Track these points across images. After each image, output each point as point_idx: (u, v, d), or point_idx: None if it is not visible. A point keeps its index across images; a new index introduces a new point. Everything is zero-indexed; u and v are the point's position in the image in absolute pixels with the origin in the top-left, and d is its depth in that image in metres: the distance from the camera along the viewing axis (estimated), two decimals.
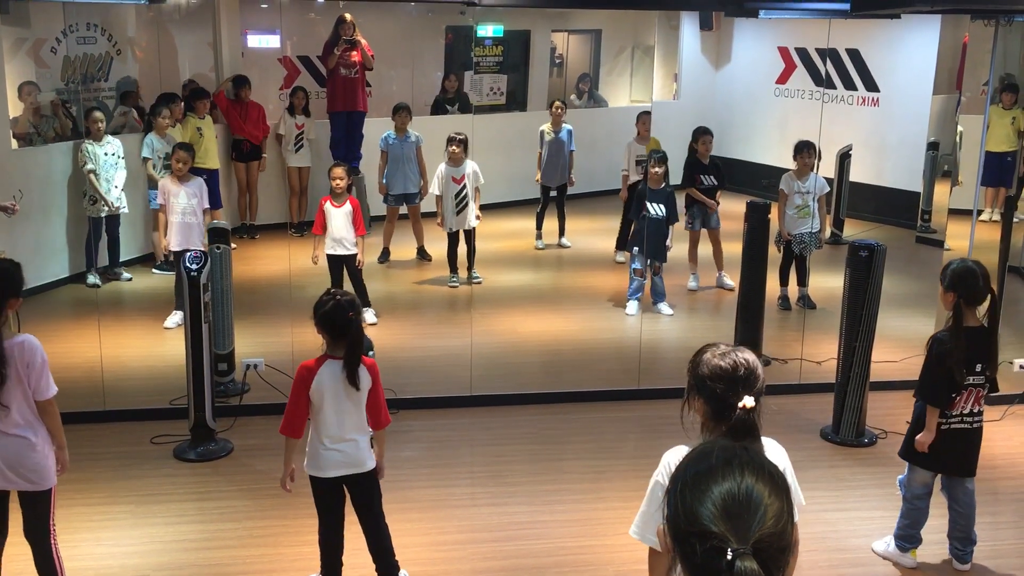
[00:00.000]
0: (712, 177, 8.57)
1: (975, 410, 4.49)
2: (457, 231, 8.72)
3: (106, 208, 8.50)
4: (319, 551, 4.27)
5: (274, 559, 4.65)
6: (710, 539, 1.55)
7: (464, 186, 8.61)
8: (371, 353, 5.86)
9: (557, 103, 9.94)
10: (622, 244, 9.45)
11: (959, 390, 4.44)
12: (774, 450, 2.80)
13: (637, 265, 8.12)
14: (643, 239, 7.99)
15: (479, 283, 8.85)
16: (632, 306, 8.20)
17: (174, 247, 7.37)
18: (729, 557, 1.53)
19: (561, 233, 10.17)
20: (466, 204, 8.66)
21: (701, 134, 8.63)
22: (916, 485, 4.62)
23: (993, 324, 4.44)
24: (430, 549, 4.76)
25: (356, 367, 4.04)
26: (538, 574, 4.58)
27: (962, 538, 4.62)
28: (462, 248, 8.80)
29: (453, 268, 8.82)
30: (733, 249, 8.62)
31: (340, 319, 4.00)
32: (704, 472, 1.62)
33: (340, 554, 4.27)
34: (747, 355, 2.68)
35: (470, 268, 8.87)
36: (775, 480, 1.63)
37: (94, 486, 5.29)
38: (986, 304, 4.43)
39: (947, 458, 4.54)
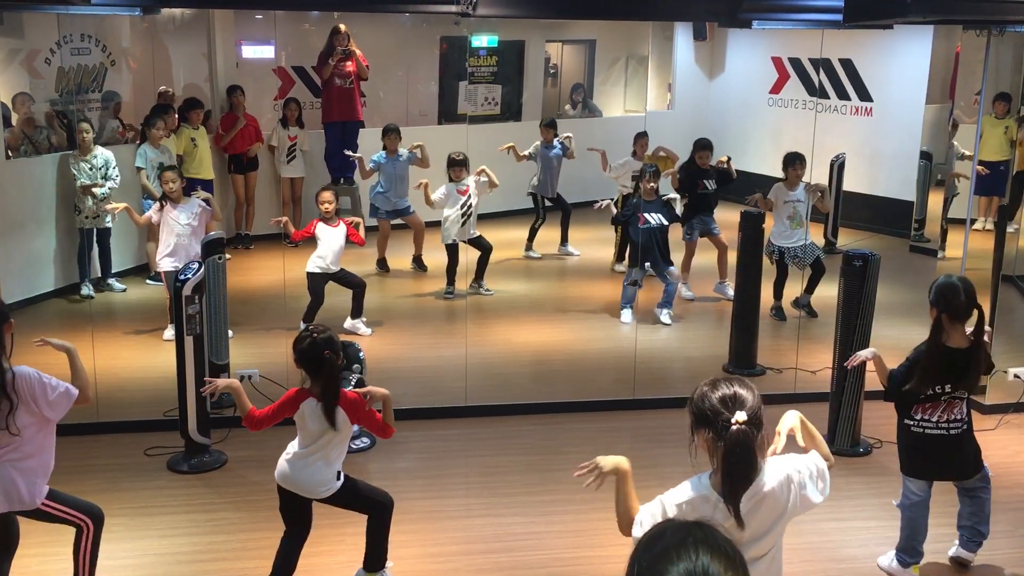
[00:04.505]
0: (713, 181, 8.61)
1: (950, 418, 4.47)
2: (456, 244, 8.69)
3: (88, 220, 8.49)
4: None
5: (267, 571, 4.62)
6: None
7: (469, 197, 8.62)
8: (357, 368, 5.85)
9: (545, 123, 9.96)
10: (622, 255, 9.45)
11: (929, 400, 4.45)
12: (777, 466, 2.82)
13: (634, 277, 8.11)
14: (649, 253, 7.98)
15: (490, 295, 8.86)
16: (626, 314, 8.20)
17: (167, 267, 7.28)
18: None
19: (563, 240, 10.18)
20: (471, 215, 8.67)
21: (700, 148, 8.66)
22: (909, 492, 4.62)
23: (978, 341, 4.41)
24: (424, 560, 4.74)
25: (333, 406, 4.09)
26: None
27: (969, 528, 4.66)
28: (462, 259, 8.75)
29: (451, 281, 8.81)
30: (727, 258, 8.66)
31: (315, 356, 4.06)
32: (659, 554, 1.63)
33: (289, 568, 4.29)
34: (738, 386, 2.76)
35: (480, 278, 8.87)
36: (730, 556, 1.64)
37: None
38: (973, 319, 4.42)
39: (933, 465, 4.54)
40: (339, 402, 4.11)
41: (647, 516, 2.86)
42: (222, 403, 6.38)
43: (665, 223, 8.05)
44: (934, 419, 4.46)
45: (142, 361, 7.28)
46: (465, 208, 8.63)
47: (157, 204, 7.52)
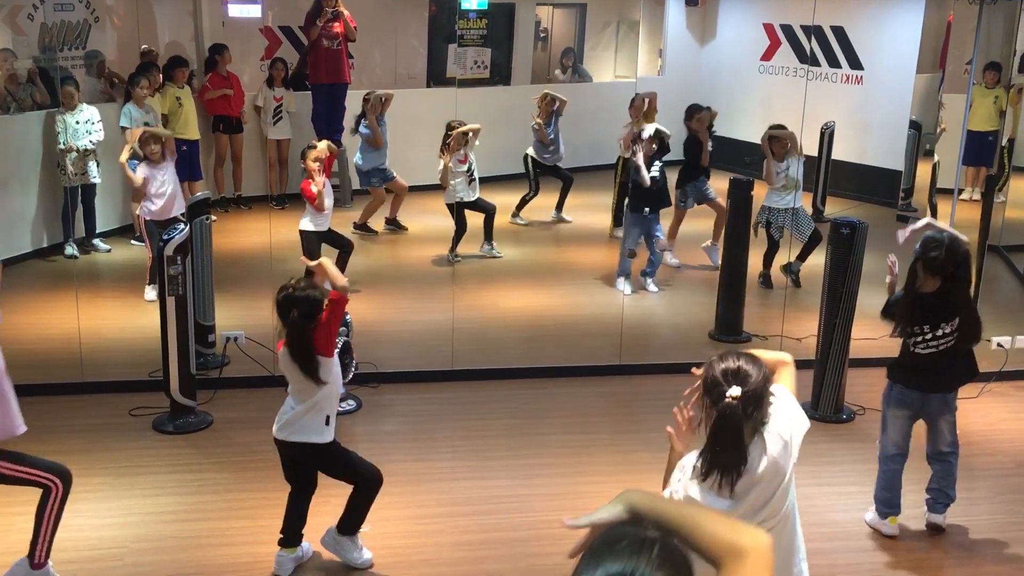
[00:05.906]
0: (711, 141, 8.64)
1: (940, 333, 4.55)
2: (458, 205, 8.60)
3: (75, 177, 8.40)
4: None
5: (253, 532, 4.64)
6: None
7: (470, 161, 8.61)
8: (344, 331, 5.83)
9: (547, 97, 9.86)
10: (618, 219, 9.38)
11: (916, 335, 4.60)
12: (774, 434, 2.78)
13: (630, 247, 8.07)
14: (659, 192, 7.98)
15: (499, 258, 8.86)
16: (623, 283, 8.15)
17: (161, 216, 7.38)
18: None
19: (559, 206, 10.13)
20: (474, 176, 8.65)
21: (696, 111, 8.64)
22: (887, 445, 4.73)
23: (947, 287, 4.46)
24: (410, 522, 4.77)
25: (307, 363, 4.07)
26: (517, 547, 4.60)
27: (936, 490, 4.76)
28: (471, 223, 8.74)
29: (455, 245, 8.74)
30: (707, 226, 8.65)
31: (284, 311, 4.07)
32: (609, 542, 1.58)
33: (298, 522, 4.36)
34: (745, 361, 2.73)
35: (489, 239, 8.88)
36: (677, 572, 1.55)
37: (72, 458, 5.22)
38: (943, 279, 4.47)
39: (919, 378, 4.65)
40: (317, 350, 4.08)
41: (675, 479, 2.87)
42: (207, 364, 6.37)
43: (661, 167, 8.00)
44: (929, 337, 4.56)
45: (127, 321, 7.24)
46: (469, 171, 8.60)
47: (144, 164, 7.51)
